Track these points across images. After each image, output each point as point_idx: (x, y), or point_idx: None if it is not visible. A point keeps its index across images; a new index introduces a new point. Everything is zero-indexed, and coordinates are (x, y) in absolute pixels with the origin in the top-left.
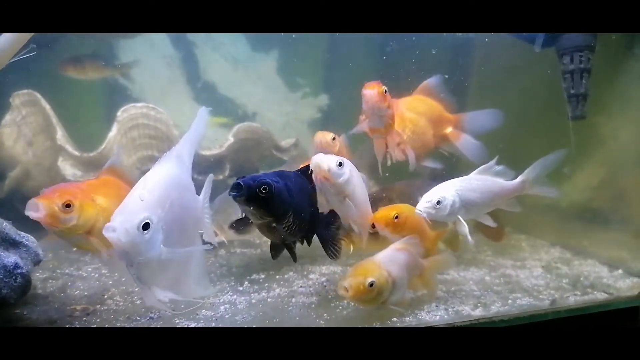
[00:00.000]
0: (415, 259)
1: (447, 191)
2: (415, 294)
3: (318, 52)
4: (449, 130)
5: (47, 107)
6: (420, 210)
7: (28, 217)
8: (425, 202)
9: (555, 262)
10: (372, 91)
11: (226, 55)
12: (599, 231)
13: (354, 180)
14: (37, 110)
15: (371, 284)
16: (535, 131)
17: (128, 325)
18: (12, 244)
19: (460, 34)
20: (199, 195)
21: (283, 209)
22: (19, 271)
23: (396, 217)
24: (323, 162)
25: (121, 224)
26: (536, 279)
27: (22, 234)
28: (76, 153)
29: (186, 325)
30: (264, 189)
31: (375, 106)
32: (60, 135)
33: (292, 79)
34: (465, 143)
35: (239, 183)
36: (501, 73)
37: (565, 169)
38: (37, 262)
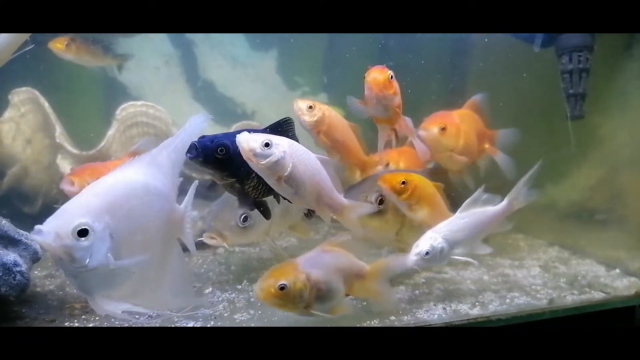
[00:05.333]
0: (350, 261)
1: (435, 240)
2: (413, 293)
3: (317, 51)
4: (486, 145)
5: (46, 104)
6: (411, 264)
7: (26, 214)
8: (414, 255)
9: (553, 261)
10: (376, 75)
11: (225, 54)
12: (596, 231)
13: (294, 162)
14: (36, 108)
15: (282, 287)
16: (534, 131)
17: (126, 325)
18: (11, 242)
19: (459, 35)
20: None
21: (244, 170)
22: (18, 269)
23: (403, 183)
24: (244, 142)
25: (53, 227)
26: (534, 278)
27: (21, 231)
28: (75, 151)
29: (185, 325)
30: (221, 150)
31: (380, 94)
32: (59, 133)
33: (291, 78)
34: (502, 158)
35: (194, 144)
36: (500, 73)
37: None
38: (36, 260)
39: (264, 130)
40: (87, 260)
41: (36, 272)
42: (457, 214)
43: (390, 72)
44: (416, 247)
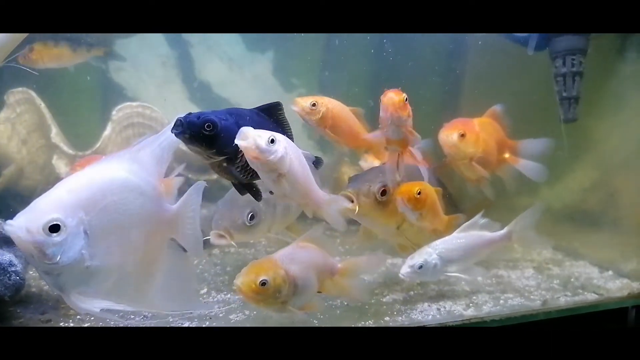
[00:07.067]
0: (324, 258)
1: (429, 255)
2: (408, 293)
3: (313, 52)
4: (507, 155)
5: (42, 105)
6: (404, 275)
7: None
8: (408, 267)
9: (547, 263)
10: (393, 97)
11: (222, 55)
12: (590, 232)
13: (290, 158)
14: (31, 109)
15: (263, 283)
16: (529, 134)
17: (121, 325)
18: (6, 242)
19: (454, 38)
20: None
21: (232, 148)
22: (13, 269)
23: (419, 193)
24: (249, 138)
25: (24, 222)
26: (528, 280)
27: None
28: (70, 152)
29: (180, 325)
30: (208, 126)
31: (395, 115)
32: (54, 133)
33: (287, 80)
34: (526, 166)
35: (180, 120)
36: (495, 76)
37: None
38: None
39: (254, 111)
40: (59, 257)
41: (31, 272)
42: (455, 233)
43: (405, 95)
44: (411, 259)
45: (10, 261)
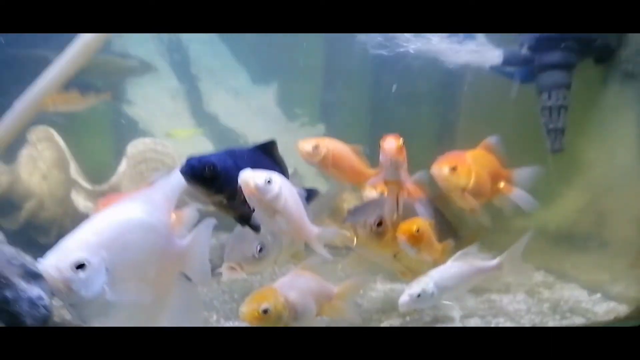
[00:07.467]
0: (320, 283)
1: (427, 284)
2: (404, 319)
3: (314, 83)
4: (502, 184)
5: (61, 142)
6: (403, 303)
7: (41, 244)
8: (407, 296)
9: (539, 286)
10: (391, 142)
11: (227, 87)
12: (580, 254)
13: (285, 196)
14: (51, 146)
15: (265, 311)
16: (524, 162)
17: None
18: (34, 277)
19: (450, 71)
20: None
21: (231, 187)
22: (42, 302)
23: (417, 231)
24: (249, 179)
25: (54, 261)
26: (519, 304)
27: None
28: (88, 186)
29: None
30: (210, 168)
31: (394, 158)
32: (73, 169)
33: (290, 110)
34: (518, 195)
35: (185, 162)
36: (490, 108)
37: None
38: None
39: (252, 150)
40: (84, 292)
41: (53, 302)
42: (449, 262)
43: (402, 140)
44: (409, 289)
45: (39, 295)
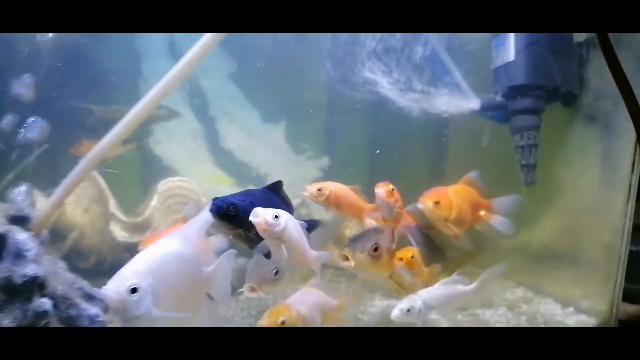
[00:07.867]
0: (324, 298)
1: (415, 301)
2: None
3: (319, 121)
4: (482, 213)
5: (102, 180)
6: (394, 316)
7: (82, 269)
8: (398, 310)
9: (518, 301)
10: (382, 189)
11: (241, 126)
12: (557, 271)
13: (290, 228)
14: (92, 184)
15: (283, 322)
16: (505, 192)
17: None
18: (90, 298)
19: (439, 119)
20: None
21: (248, 222)
22: (99, 319)
23: (412, 257)
24: (260, 216)
25: (114, 287)
26: (499, 317)
27: (94, 289)
28: (125, 219)
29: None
30: (232, 208)
31: (385, 201)
32: (112, 204)
33: (297, 144)
34: (497, 221)
35: (212, 204)
36: (474, 146)
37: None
38: (105, 311)
39: (263, 190)
40: (136, 310)
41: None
42: (436, 285)
43: (392, 186)
44: (400, 304)
45: (97, 313)
